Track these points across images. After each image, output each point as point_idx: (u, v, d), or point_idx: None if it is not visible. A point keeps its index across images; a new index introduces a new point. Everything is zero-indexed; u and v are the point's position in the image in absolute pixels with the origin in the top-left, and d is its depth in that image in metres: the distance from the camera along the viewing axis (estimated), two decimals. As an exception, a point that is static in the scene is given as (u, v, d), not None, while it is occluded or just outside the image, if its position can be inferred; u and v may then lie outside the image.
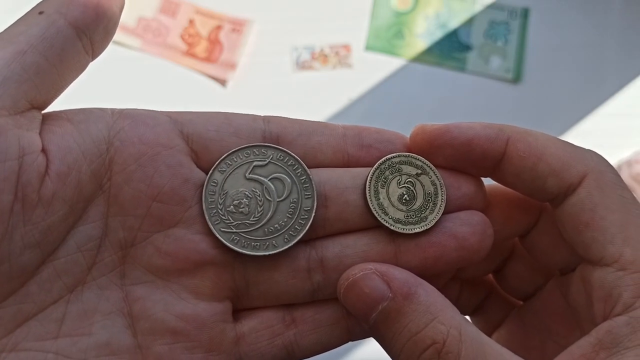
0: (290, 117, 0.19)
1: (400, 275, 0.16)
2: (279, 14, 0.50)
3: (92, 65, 0.17)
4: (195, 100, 0.48)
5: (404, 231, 0.18)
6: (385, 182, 0.18)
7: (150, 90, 0.48)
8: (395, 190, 0.18)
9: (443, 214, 0.18)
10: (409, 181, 0.18)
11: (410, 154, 0.18)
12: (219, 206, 0.18)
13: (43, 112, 0.17)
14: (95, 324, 0.16)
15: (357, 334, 0.18)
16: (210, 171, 0.18)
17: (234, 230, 0.18)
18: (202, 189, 0.17)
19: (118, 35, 0.48)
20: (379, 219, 0.18)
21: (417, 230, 0.18)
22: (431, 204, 0.18)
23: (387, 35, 0.50)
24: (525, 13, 0.51)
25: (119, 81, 0.48)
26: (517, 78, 0.49)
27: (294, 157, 0.18)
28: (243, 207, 0.18)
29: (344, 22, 0.50)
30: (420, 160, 0.18)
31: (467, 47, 0.50)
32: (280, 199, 0.18)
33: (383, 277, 0.16)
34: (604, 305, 0.16)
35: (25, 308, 0.15)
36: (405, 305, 0.16)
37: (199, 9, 0.50)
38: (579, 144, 0.18)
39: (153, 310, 0.17)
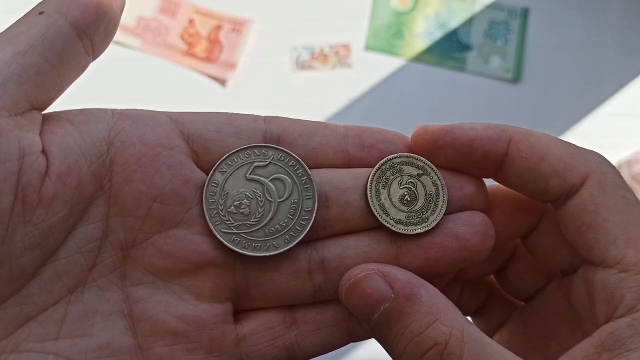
0: (291, 117, 0.19)
1: (402, 276, 0.16)
2: (279, 14, 0.50)
3: (92, 65, 0.17)
4: (195, 100, 0.48)
5: (406, 232, 0.18)
6: (386, 183, 0.18)
7: (150, 90, 0.48)
8: (396, 191, 0.18)
9: (445, 214, 0.18)
10: (411, 182, 0.18)
11: (412, 154, 0.18)
12: (220, 207, 0.17)
13: (43, 112, 0.16)
14: (96, 326, 0.16)
15: (359, 336, 0.18)
16: (211, 172, 0.18)
17: (235, 231, 0.17)
18: (203, 190, 0.17)
19: (118, 35, 0.48)
20: (381, 220, 0.18)
21: (419, 231, 0.18)
22: (433, 204, 0.18)
23: (387, 35, 0.50)
24: (525, 13, 0.51)
25: (119, 81, 0.48)
26: (517, 78, 0.49)
27: (295, 157, 0.18)
28: (244, 208, 0.18)
29: (344, 22, 0.50)
30: (422, 161, 0.18)
31: (467, 47, 0.50)
32: (281, 200, 0.18)
33: (385, 277, 0.16)
34: (606, 307, 0.16)
35: (26, 310, 0.15)
36: (407, 306, 0.16)
37: (199, 9, 0.50)
38: (579, 144, 0.18)
39: (154, 311, 0.17)
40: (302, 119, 0.19)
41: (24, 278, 0.15)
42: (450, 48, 0.50)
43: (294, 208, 0.18)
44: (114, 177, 0.16)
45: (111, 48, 0.18)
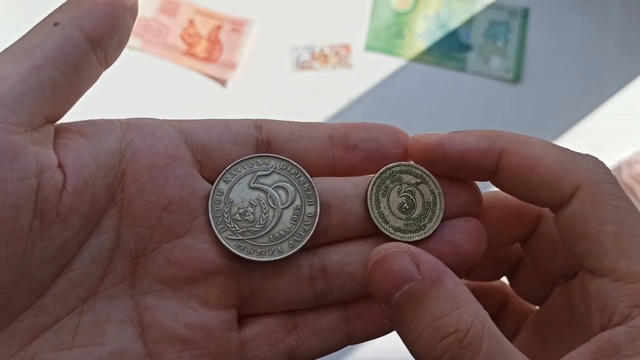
0: (286, 118, 0.19)
1: (431, 260, 0.16)
2: (279, 14, 0.50)
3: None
4: (195, 100, 0.48)
5: (403, 239, 0.18)
6: (385, 191, 0.19)
7: (150, 90, 0.48)
8: (395, 199, 0.19)
9: (441, 221, 0.18)
10: (409, 190, 0.19)
11: (411, 163, 0.19)
12: (225, 215, 0.18)
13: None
14: (108, 334, 0.16)
15: (356, 339, 0.19)
16: (216, 181, 0.18)
17: (240, 238, 0.18)
18: (209, 198, 0.18)
19: (119, 36, 0.48)
20: (380, 227, 0.18)
21: (416, 238, 0.18)
22: (430, 212, 0.18)
23: (387, 35, 0.50)
24: (525, 13, 0.51)
25: (118, 81, 0.48)
26: (517, 78, 0.49)
27: (296, 166, 0.18)
28: (248, 215, 0.18)
29: (344, 22, 0.50)
30: (420, 170, 0.19)
31: (467, 47, 0.50)
32: (284, 206, 0.18)
33: (414, 258, 0.16)
34: (601, 315, 0.16)
35: (41, 320, 0.16)
36: (432, 289, 0.15)
37: (199, 9, 0.50)
38: (579, 144, 0.17)
39: (163, 319, 0.17)
40: (294, 120, 0.19)
41: (39, 290, 0.16)
42: (450, 48, 0.50)
43: (296, 213, 0.18)
44: (125, 187, 0.17)
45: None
